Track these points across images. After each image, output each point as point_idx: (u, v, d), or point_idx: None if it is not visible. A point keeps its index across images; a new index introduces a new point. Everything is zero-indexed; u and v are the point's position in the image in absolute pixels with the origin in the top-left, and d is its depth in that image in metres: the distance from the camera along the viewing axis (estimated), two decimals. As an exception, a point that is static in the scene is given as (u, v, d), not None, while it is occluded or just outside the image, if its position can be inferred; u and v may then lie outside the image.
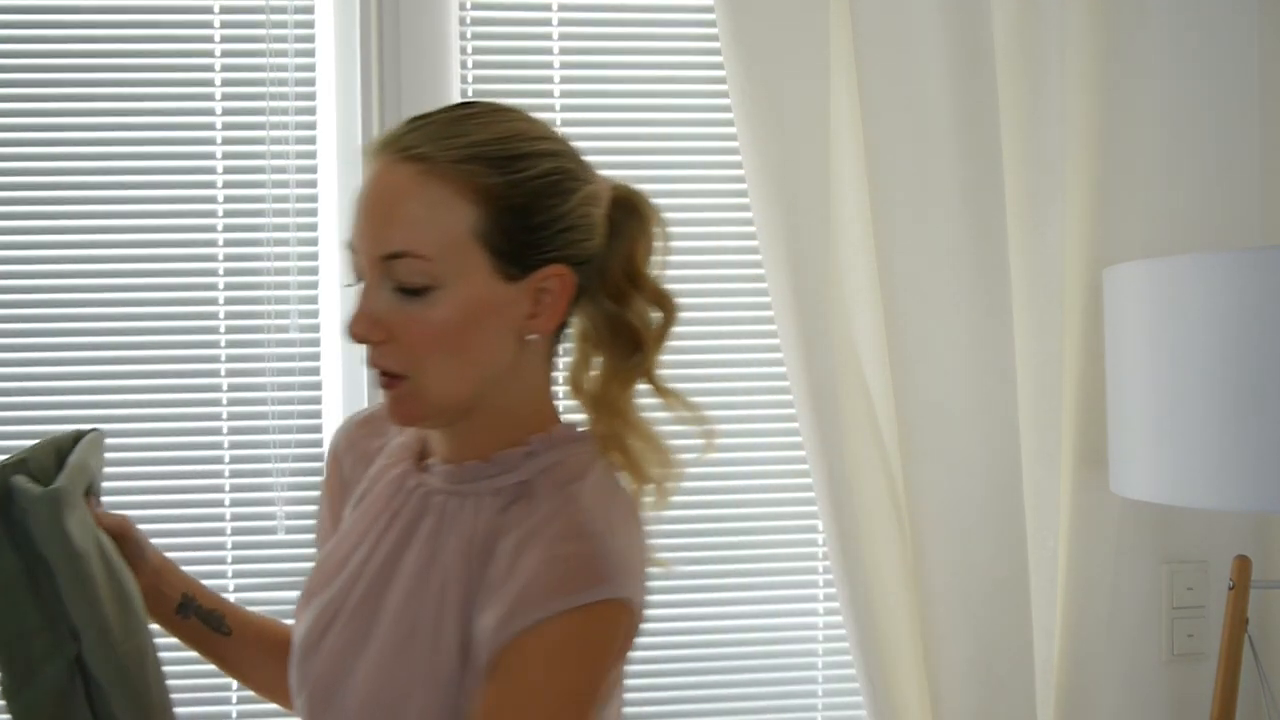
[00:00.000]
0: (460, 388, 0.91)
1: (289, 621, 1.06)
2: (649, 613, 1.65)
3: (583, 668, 0.87)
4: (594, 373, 1.01)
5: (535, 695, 0.85)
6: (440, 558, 0.93)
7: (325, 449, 1.50)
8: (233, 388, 1.63)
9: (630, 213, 0.99)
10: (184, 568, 1.61)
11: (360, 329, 0.88)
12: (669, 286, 1.02)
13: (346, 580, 0.98)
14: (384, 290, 0.88)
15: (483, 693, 0.86)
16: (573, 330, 1.02)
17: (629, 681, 1.66)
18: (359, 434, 1.08)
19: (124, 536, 1.03)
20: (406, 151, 0.87)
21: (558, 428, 0.97)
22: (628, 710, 1.66)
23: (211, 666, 1.69)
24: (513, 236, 0.89)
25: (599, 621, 0.87)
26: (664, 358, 1.55)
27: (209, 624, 1.08)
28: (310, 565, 1.05)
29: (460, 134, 0.88)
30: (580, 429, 0.99)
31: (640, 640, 1.64)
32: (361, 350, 1.55)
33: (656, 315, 1.00)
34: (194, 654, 1.66)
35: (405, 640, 0.92)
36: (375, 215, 0.88)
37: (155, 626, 1.05)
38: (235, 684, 1.63)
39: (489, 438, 0.95)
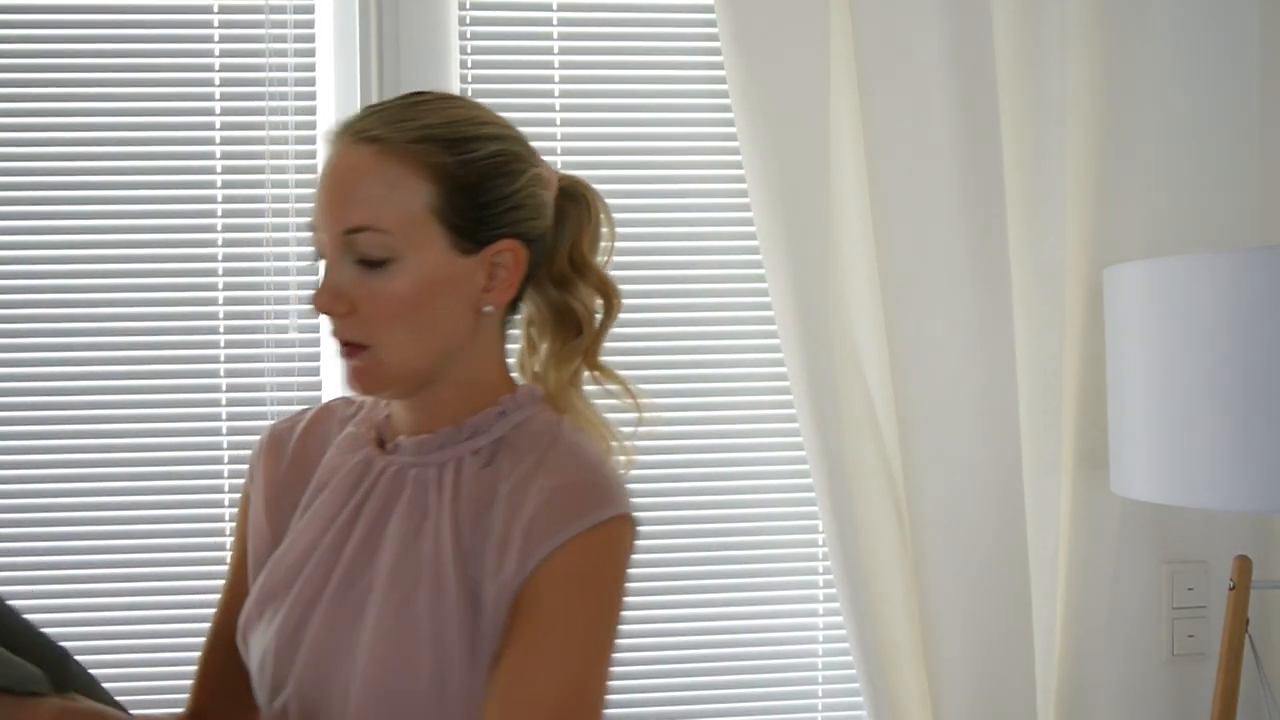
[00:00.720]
0: (419, 357, 0.96)
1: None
2: (650, 613, 1.67)
3: (606, 584, 0.93)
4: (538, 358, 1.07)
5: (570, 618, 0.91)
6: (427, 523, 0.96)
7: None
8: (232, 388, 1.63)
9: (576, 201, 1.05)
10: (183, 569, 1.62)
11: (324, 302, 0.93)
12: (614, 275, 1.06)
13: (317, 570, 0.98)
14: (346, 265, 0.93)
15: (514, 631, 0.91)
16: (520, 317, 1.06)
17: (628, 683, 1.68)
18: (287, 440, 1.08)
19: None
20: (364, 134, 0.93)
21: (522, 389, 1.03)
22: (627, 711, 1.67)
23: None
24: (465, 212, 0.94)
25: (611, 538, 0.93)
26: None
27: None
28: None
29: (412, 118, 0.94)
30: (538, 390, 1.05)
31: (640, 640, 1.67)
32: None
33: (599, 304, 1.06)
34: (179, 654, 1.66)
35: (404, 603, 0.94)
36: (337, 193, 0.93)
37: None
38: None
39: (457, 405, 0.99)
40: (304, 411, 1.11)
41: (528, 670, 0.90)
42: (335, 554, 0.99)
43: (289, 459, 1.06)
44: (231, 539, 1.61)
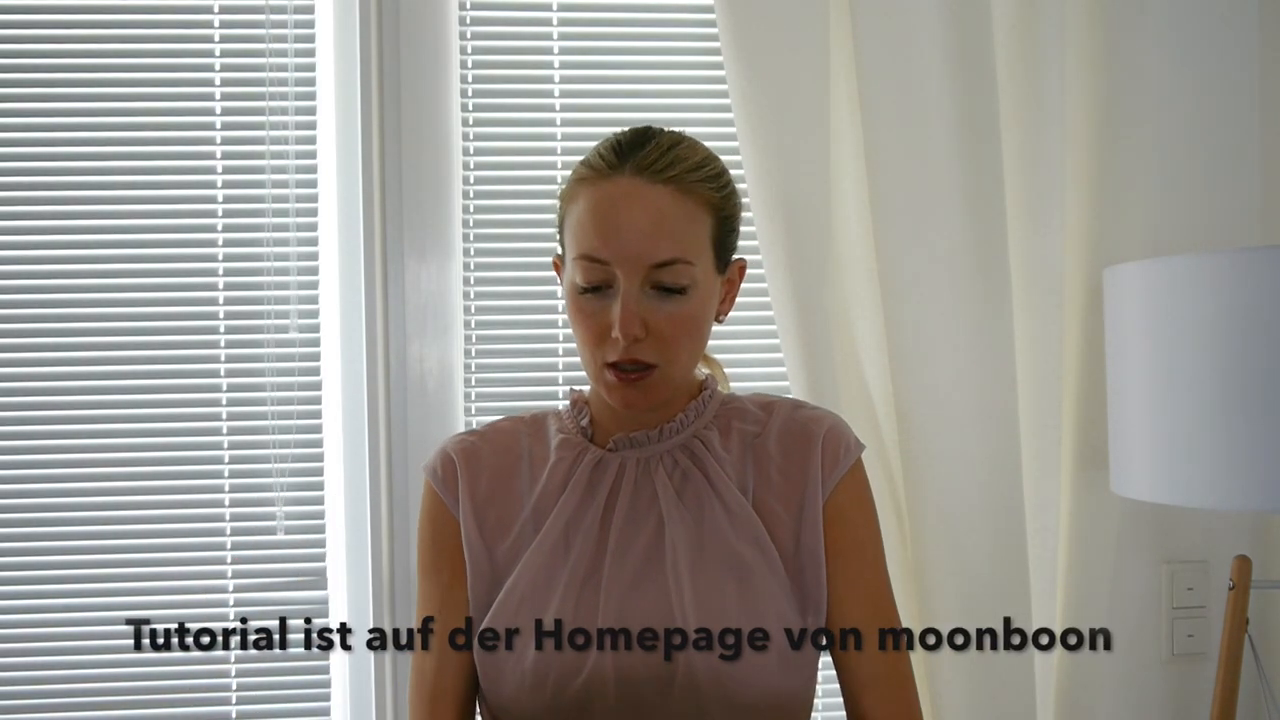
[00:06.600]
0: (690, 370, 1.10)
1: None
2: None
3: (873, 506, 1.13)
4: None
5: (873, 521, 1.12)
6: (705, 489, 1.08)
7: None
8: (232, 388, 1.63)
9: None
10: (183, 568, 1.62)
11: (633, 329, 1.00)
12: None
13: (583, 553, 1.06)
14: (643, 293, 1.01)
15: (840, 534, 1.08)
16: None
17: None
18: (479, 457, 1.13)
19: None
20: (658, 174, 1.01)
21: (706, 378, 1.17)
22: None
23: (212, 666, 1.69)
24: (724, 238, 1.07)
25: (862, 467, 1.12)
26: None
27: None
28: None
29: (684, 158, 1.03)
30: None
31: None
32: (359, 350, 1.56)
33: None
34: (190, 654, 1.66)
35: (728, 555, 1.06)
36: (643, 229, 1.00)
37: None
38: (235, 684, 1.63)
39: (680, 400, 1.12)
40: (472, 431, 1.16)
41: (876, 595, 1.09)
42: (595, 536, 1.07)
43: (488, 472, 1.12)
44: (230, 538, 1.63)
